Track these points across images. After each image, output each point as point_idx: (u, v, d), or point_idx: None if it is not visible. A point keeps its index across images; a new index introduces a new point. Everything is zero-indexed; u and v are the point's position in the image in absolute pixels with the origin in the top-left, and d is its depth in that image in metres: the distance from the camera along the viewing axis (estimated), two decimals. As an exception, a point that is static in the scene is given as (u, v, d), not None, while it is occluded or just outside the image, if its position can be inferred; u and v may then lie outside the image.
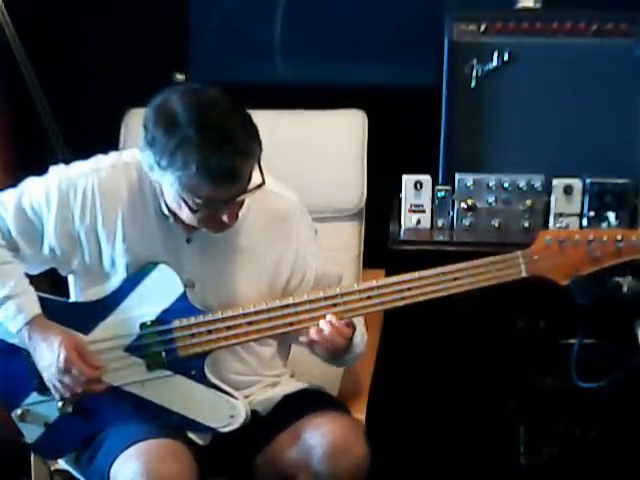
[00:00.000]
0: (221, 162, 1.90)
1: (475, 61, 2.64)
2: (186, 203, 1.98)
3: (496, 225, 2.64)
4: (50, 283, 2.27)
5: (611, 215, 2.02)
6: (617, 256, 2.02)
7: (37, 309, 2.08)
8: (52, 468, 2.30)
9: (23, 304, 2.07)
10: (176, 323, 2.08)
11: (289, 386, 2.26)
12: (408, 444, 2.89)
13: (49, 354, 2.05)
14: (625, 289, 2.06)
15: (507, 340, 2.67)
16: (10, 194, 2.14)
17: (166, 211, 2.10)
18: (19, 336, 2.07)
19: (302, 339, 2.09)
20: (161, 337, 2.09)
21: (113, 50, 3.01)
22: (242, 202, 2.02)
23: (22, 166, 2.23)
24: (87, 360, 2.07)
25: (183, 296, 2.09)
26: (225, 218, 2.01)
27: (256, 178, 2.00)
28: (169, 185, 1.97)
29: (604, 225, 2.39)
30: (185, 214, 2.02)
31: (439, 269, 2.05)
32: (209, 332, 2.08)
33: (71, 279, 2.24)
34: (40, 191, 2.12)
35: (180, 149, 1.91)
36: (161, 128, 1.94)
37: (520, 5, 2.74)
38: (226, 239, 2.14)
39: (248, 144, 1.94)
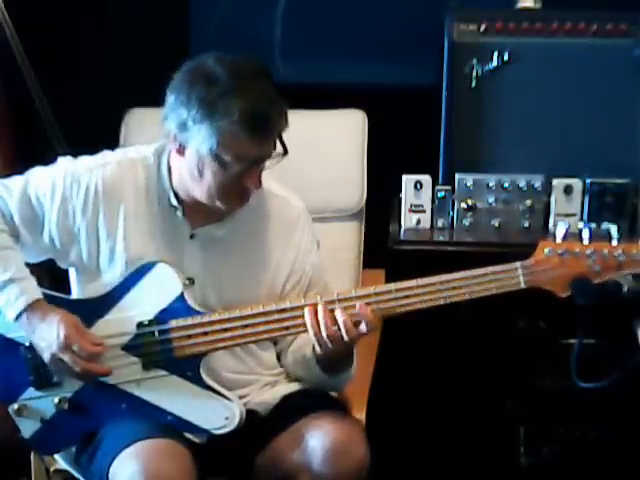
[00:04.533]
0: (261, 110, 1.96)
1: (475, 61, 2.64)
2: (217, 159, 1.99)
3: (496, 225, 2.65)
4: (50, 278, 2.27)
5: (613, 228, 2.00)
6: (617, 269, 2.00)
7: (39, 294, 2.08)
8: (52, 468, 2.30)
9: (25, 287, 2.07)
10: (173, 323, 2.08)
11: (289, 386, 2.26)
12: (408, 444, 2.89)
13: (48, 333, 2.05)
14: (625, 289, 2.05)
15: (507, 340, 2.66)
16: (16, 180, 2.17)
17: (175, 202, 2.12)
18: (19, 321, 2.06)
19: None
20: (158, 337, 2.08)
21: (113, 50, 3.02)
22: (263, 168, 2.05)
23: (22, 166, 2.24)
24: (86, 337, 2.06)
25: (181, 296, 2.09)
26: (249, 184, 2.03)
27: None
28: (202, 140, 1.98)
29: (604, 227, 2.38)
30: (206, 182, 2.03)
31: (437, 277, 2.04)
32: (205, 334, 2.07)
33: (72, 273, 2.24)
34: (46, 181, 2.14)
35: (222, 98, 1.95)
36: (200, 83, 1.98)
37: (520, 5, 2.74)
38: (229, 238, 2.16)
39: (280, 98, 2.01)
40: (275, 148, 2.05)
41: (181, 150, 2.05)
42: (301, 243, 2.23)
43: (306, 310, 2.03)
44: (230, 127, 1.96)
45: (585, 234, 2.01)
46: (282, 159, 2.07)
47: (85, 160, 2.19)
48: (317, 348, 2.06)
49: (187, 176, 2.08)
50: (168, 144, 2.09)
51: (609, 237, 2.02)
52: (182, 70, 2.04)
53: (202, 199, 2.08)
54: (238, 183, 2.03)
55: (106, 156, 2.19)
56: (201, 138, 1.99)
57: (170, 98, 2.03)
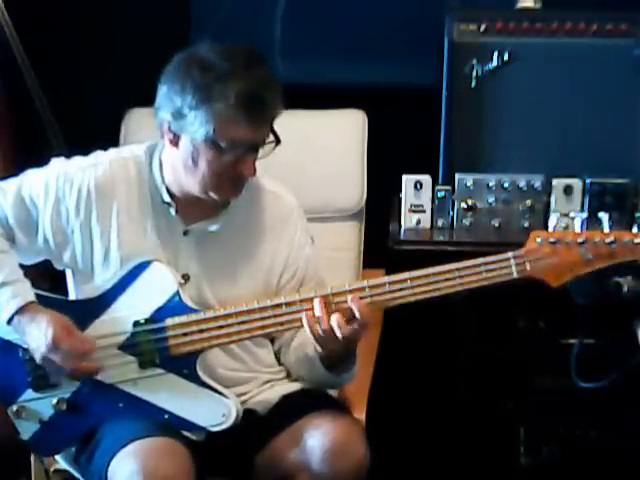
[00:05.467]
0: (257, 93, 1.98)
1: (475, 61, 2.64)
2: (212, 146, 2.00)
3: (496, 225, 2.64)
4: (49, 280, 2.27)
5: (605, 217, 2.00)
6: (610, 258, 2.00)
7: (32, 297, 2.08)
8: (52, 468, 2.30)
9: (18, 290, 2.07)
10: (168, 322, 2.08)
11: (288, 386, 2.26)
12: (408, 444, 2.89)
13: (37, 334, 2.04)
14: (625, 289, 2.05)
15: (507, 340, 2.66)
16: (11, 183, 2.18)
17: (168, 198, 2.13)
18: (12, 324, 2.06)
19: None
20: (154, 335, 2.08)
21: (113, 50, 3.02)
22: (257, 156, 2.06)
23: (22, 166, 2.24)
24: (76, 336, 2.06)
25: (176, 295, 2.10)
26: (244, 170, 2.04)
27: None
28: (198, 127, 2.00)
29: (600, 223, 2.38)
30: (201, 172, 2.04)
31: (430, 269, 2.05)
32: (201, 331, 2.07)
33: (68, 274, 2.25)
34: (39, 182, 2.15)
35: (218, 82, 1.97)
36: (194, 70, 2.00)
37: (520, 5, 2.74)
38: (222, 234, 2.16)
39: (275, 82, 2.03)
40: (269, 136, 2.06)
41: (175, 140, 2.06)
42: (294, 238, 2.24)
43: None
44: (227, 111, 1.97)
45: (577, 223, 2.01)
46: (275, 148, 2.08)
47: (78, 160, 2.20)
48: (317, 347, 2.06)
49: (181, 167, 2.08)
50: (162, 135, 2.09)
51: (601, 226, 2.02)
52: (173, 61, 2.06)
53: (195, 191, 2.09)
54: (232, 171, 2.04)
55: (98, 156, 2.20)
56: (197, 124, 2.00)
57: (162, 88, 2.05)
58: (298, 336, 2.20)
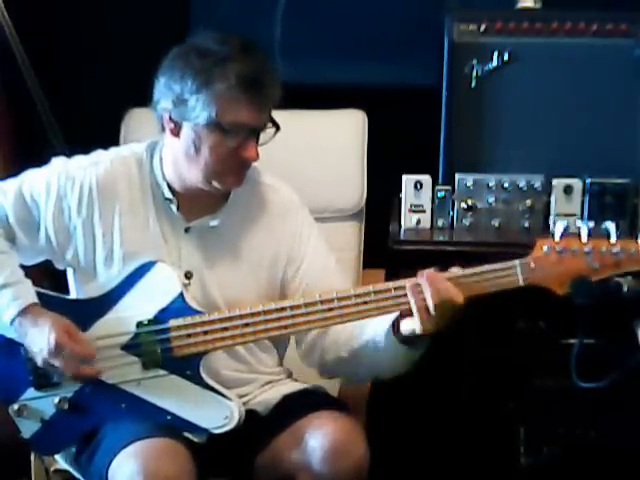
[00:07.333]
0: (257, 75, 2.00)
1: (475, 61, 2.65)
2: (215, 129, 2.01)
3: (496, 225, 2.65)
4: (50, 279, 2.27)
5: (611, 227, 2.00)
6: (616, 267, 2.00)
7: (33, 298, 2.08)
8: (52, 468, 2.30)
9: (19, 292, 2.07)
10: (172, 323, 2.08)
11: (289, 386, 2.26)
12: (408, 444, 2.89)
13: (39, 338, 2.05)
14: (625, 289, 2.04)
15: (507, 340, 2.66)
16: (11, 183, 2.18)
17: (169, 194, 2.13)
18: (13, 326, 2.06)
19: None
20: (157, 336, 2.08)
21: (113, 50, 3.02)
22: (258, 141, 2.07)
23: (23, 166, 2.25)
24: (78, 341, 2.06)
25: (181, 296, 2.10)
26: (247, 155, 2.04)
27: None
28: (200, 111, 2.01)
29: (603, 227, 2.38)
30: (203, 159, 2.05)
31: None
32: (205, 333, 2.07)
33: (70, 273, 2.25)
34: (40, 181, 2.15)
35: (217, 66, 2.00)
36: (193, 58, 2.02)
37: (520, 5, 2.75)
38: (223, 229, 2.17)
39: (272, 66, 2.07)
40: (269, 120, 2.08)
41: (176, 130, 2.07)
42: (296, 230, 2.23)
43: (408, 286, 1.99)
44: (229, 92, 1.99)
45: (583, 231, 2.01)
46: (275, 135, 2.09)
47: (78, 159, 2.21)
48: (418, 327, 2.01)
49: (182, 158, 2.09)
50: (163, 126, 2.10)
51: (608, 235, 2.01)
52: (170, 55, 2.07)
53: (198, 181, 2.09)
54: (235, 157, 2.05)
55: (99, 155, 2.21)
56: (199, 109, 2.01)
57: (160, 80, 2.07)
58: (332, 333, 2.16)
